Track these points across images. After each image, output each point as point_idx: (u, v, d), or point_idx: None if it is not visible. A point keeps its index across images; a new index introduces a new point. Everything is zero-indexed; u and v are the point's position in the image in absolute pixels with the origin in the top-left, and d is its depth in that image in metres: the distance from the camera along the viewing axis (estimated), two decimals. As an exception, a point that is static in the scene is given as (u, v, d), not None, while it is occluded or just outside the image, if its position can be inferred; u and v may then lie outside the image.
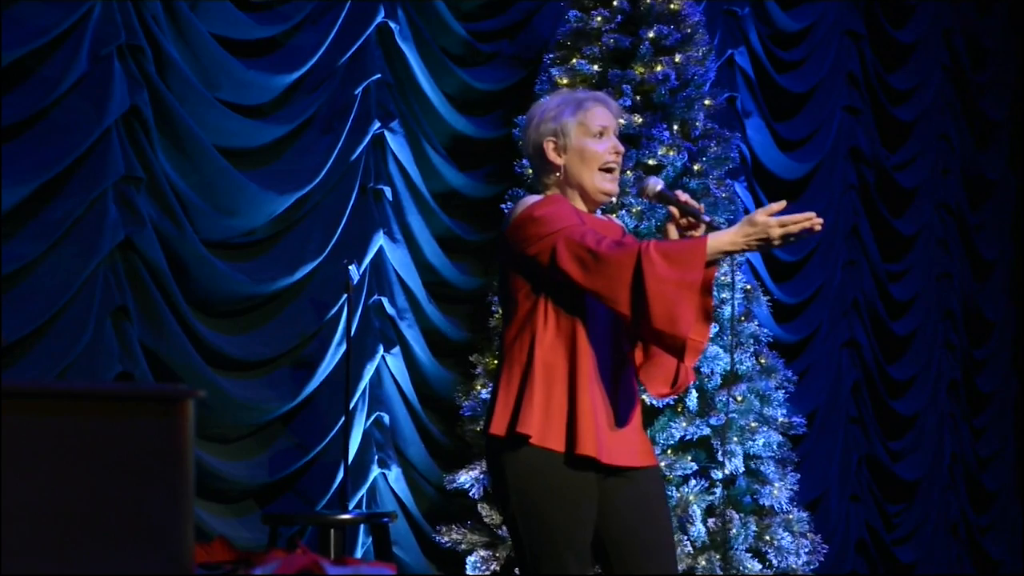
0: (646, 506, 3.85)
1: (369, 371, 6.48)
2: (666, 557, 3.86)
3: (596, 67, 6.52)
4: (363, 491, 6.44)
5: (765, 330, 6.73)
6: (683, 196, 3.88)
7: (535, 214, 3.77)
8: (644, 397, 5.80)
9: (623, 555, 3.82)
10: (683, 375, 3.90)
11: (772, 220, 3.63)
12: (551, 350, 3.76)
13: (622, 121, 4.06)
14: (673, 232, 3.88)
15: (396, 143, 6.65)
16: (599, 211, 4.03)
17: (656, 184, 3.92)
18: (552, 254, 3.69)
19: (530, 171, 6.47)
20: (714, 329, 6.27)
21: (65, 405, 2.22)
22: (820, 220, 3.64)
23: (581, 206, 3.92)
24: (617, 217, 6.13)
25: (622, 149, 3.97)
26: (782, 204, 3.67)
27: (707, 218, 3.84)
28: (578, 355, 3.75)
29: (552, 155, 3.92)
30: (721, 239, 3.66)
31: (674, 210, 3.88)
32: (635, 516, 3.83)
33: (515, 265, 3.82)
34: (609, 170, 3.92)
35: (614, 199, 4.10)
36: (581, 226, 3.73)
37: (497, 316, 6.52)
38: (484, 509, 6.34)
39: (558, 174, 3.93)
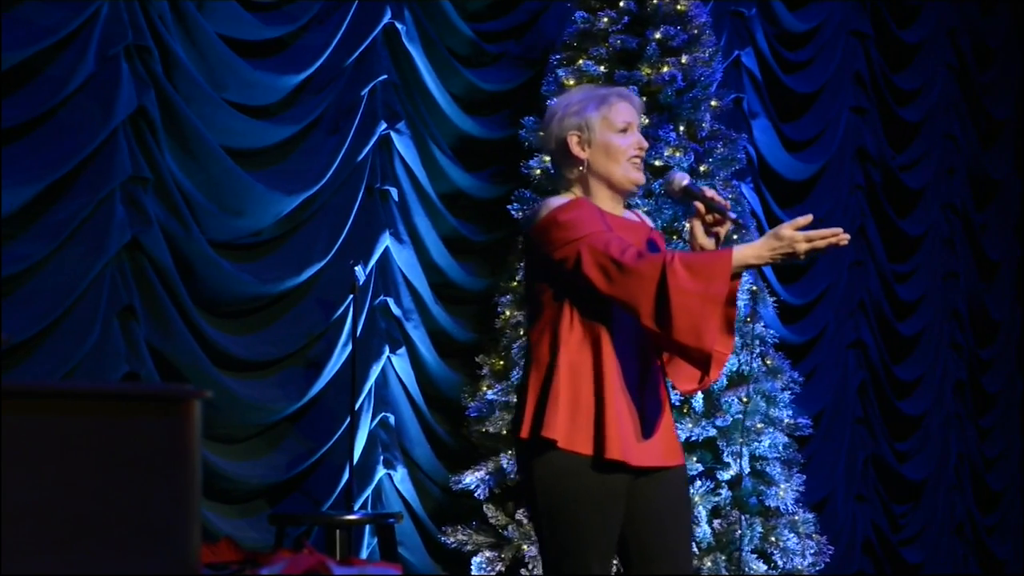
0: (670, 508, 3.85)
1: (375, 372, 6.49)
2: (683, 559, 3.87)
3: (602, 68, 6.52)
4: (369, 492, 6.44)
5: (771, 331, 6.73)
6: (709, 192, 3.87)
7: (560, 218, 3.75)
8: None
9: (644, 556, 3.83)
10: (713, 372, 3.89)
11: (799, 235, 3.62)
12: (576, 352, 3.75)
13: (645, 120, 4.04)
14: (698, 228, 3.87)
15: (402, 144, 6.65)
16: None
17: (682, 179, 3.91)
18: (576, 260, 3.68)
19: (537, 171, 6.47)
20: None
21: (70, 405, 2.23)
22: (847, 236, 3.64)
23: (606, 199, 3.91)
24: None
25: (646, 145, 3.96)
26: (808, 218, 3.66)
27: (733, 215, 3.83)
28: (603, 356, 3.74)
29: (576, 149, 3.90)
30: (746, 252, 3.65)
31: (700, 206, 3.86)
32: (659, 518, 3.83)
33: (540, 267, 3.82)
34: (634, 161, 3.92)
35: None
36: (606, 233, 3.71)
37: (503, 317, 6.52)
38: (490, 510, 6.34)
39: (581, 168, 3.91)
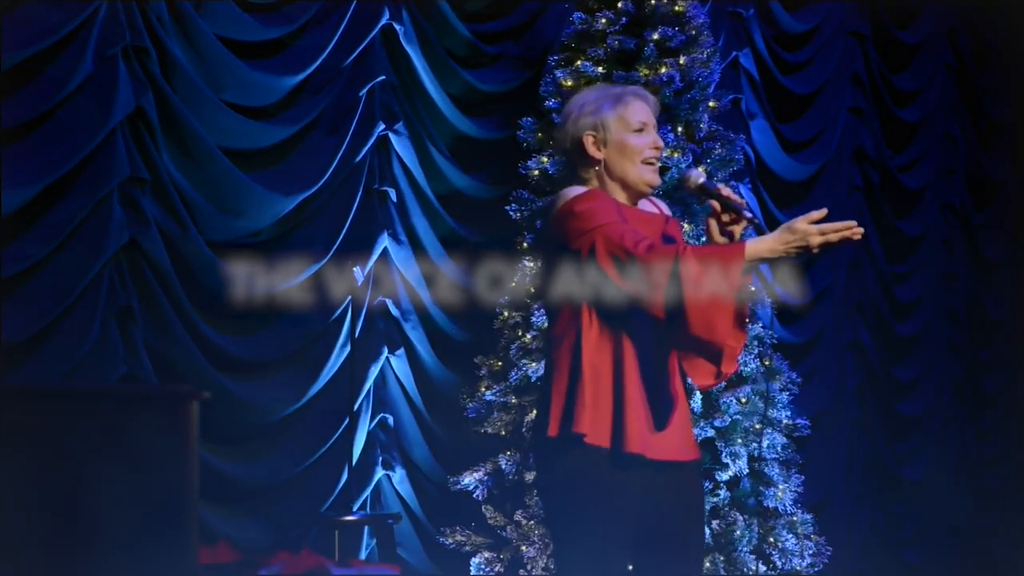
0: (683, 501, 3.86)
1: (374, 372, 6.49)
2: (695, 552, 3.88)
3: (600, 69, 6.52)
4: (367, 492, 6.44)
5: (770, 332, 6.73)
6: (725, 190, 3.86)
7: (576, 209, 3.76)
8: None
9: (657, 548, 3.84)
10: (726, 366, 3.88)
11: (812, 228, 3.62)
12: (596, 348, 3.76)
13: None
14: (714, 227, 3.86)
15: (400, 145, 6.65)
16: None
17: (698, 177, 3.91)
18: (591, 251, 3.69)
19: (535, 172, 6.46)
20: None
21: (70, 405, 2.23)
22: (860, 229, 3.63)
23: (621, 197, 3.91)
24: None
25: (661, 144, 3.95)
26: (823, 212, 3.65)
27: (748, 213, 3.82)
28: (623, 352, 3.75)
29: (592, 149, 3.90)
30: (760, 246, 3.64)
31: (715, 204, 3.86)
32: (673, 511, 3.84)
33: (556, 259, 3.82)
34: (649, 163, 3.92)
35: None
36: (621, 224, 3.72)
37: (501, 318, 6.52)
38: (488, 510, 6.34)
39: (597, 167, 3.91)
